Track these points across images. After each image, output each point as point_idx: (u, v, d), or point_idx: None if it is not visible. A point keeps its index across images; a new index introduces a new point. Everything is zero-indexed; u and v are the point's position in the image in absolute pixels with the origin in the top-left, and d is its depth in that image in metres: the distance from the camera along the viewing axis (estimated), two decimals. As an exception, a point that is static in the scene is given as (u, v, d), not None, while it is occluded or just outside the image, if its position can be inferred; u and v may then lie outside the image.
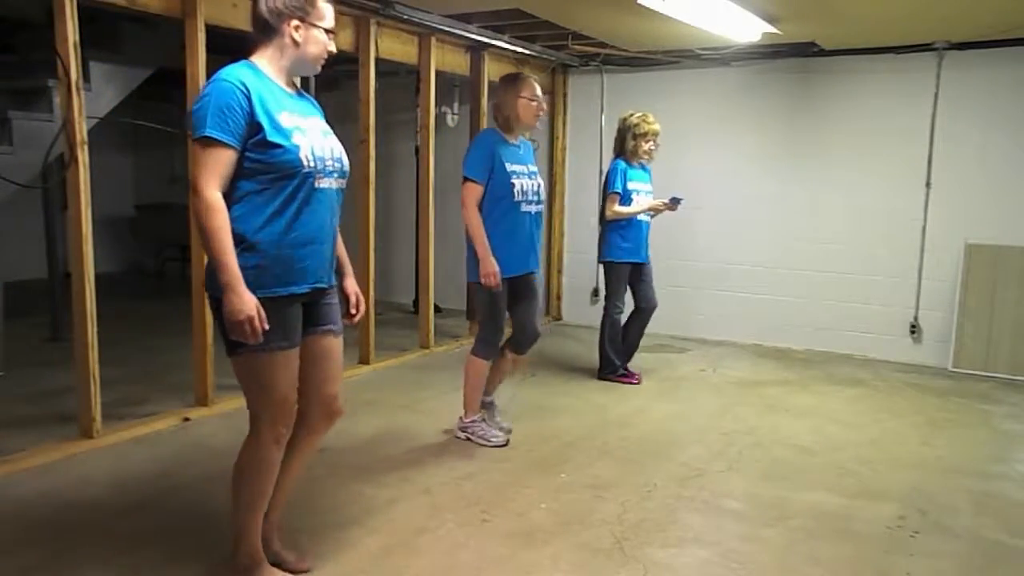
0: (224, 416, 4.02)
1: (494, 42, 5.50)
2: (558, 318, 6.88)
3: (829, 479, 3.37)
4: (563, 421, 4.06)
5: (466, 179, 3.55)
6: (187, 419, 3.91)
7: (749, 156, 5.94)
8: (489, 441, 3.66)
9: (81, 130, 3.38)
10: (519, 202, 3.57)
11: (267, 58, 2.21)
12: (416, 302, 6.25)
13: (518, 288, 3.66)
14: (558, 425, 3.99)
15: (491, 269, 3.49)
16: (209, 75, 3.86)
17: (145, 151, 9.05)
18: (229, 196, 2.10)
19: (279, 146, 2.11)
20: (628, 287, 4.78)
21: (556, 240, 6.76)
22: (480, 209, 3.53)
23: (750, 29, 4.74)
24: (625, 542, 2.74)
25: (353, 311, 2.50)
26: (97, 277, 3.51)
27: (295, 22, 2.17)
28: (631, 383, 4.78)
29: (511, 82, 3.65)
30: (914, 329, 5.54)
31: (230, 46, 5.03)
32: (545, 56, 6.07)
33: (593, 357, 5.00)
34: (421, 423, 3.97)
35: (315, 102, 2.39)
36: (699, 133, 6.00)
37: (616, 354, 4.83)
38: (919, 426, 4.15)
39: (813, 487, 3.27)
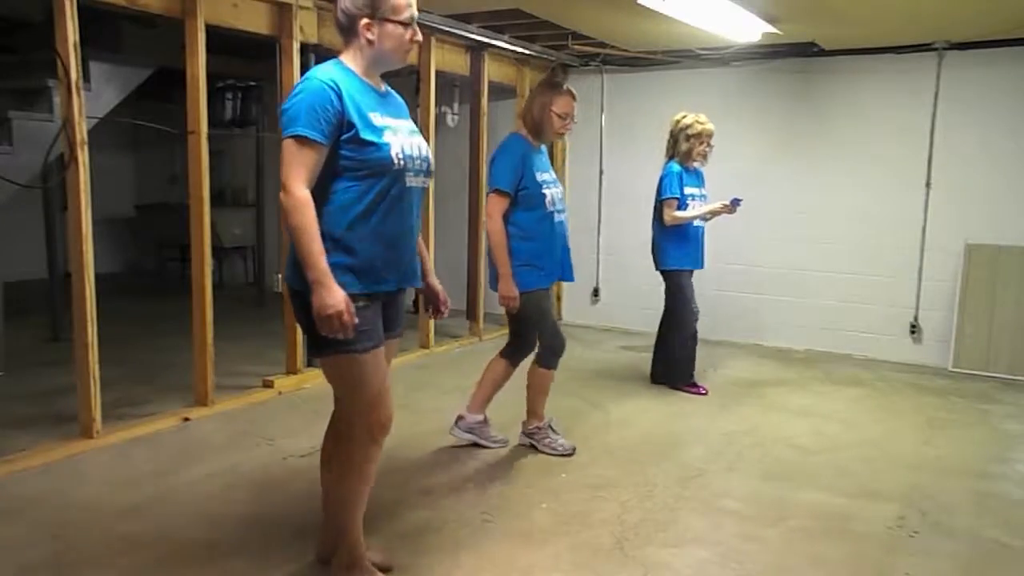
0: (224, 416, 4.02)
1: (494, 42, 5.50)
2: (558, 318, 6.88)
3: (829, 479, 3.37)
4: (563, 421, 4.04)
5: (495, 191, 3.34)
6: (187, 419, 3.91)
7: (749, 156, 5.93)
8: (554, 450, 3.54)
9: (81, 130, 3.38)
10: (551, 212, 3.41)
11: (351, 58, 2.22)
12: (416, 302, 6.24)
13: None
14: (558, 425, 3.99)
15: (511, 292, 3.32)
16: (209, 75, 3.92)
17: (145, 151, 9.05)
18: (321, 194, 2.11)
19: (372, 144, 2.12)
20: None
21: (556, 240, 6.76)
22: (510, 220, 3.35)
23: (750, 29, 4.75)
24: (625, 542, 2.74)
25: (443, 308, 2.55)
26: (97, 277, 3.51)
27: (364, 20, 2.16)
28: (699, 394, 4.57)
29: (548, 90, 3.43)
30: (914, 329, 5.54)
31: (230, 46, 5.08)
32: (545, 56, 6.06)
33: (594, 356, 5.00)
34: (421, 423, 3.97)
35: (402, 100, 2.39)
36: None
37: (690, 363, 4.62)
38: (919, 426, 4.15)
39: (813, 487, 3.27)
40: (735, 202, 4.47)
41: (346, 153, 2.11)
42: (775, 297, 5.93)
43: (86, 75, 4.17)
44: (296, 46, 4.29)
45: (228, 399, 4.18)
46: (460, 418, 3.65)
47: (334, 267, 2.07)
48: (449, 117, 6.65)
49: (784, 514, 3.00)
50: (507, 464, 3.46)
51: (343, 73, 2.16)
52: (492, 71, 5.88)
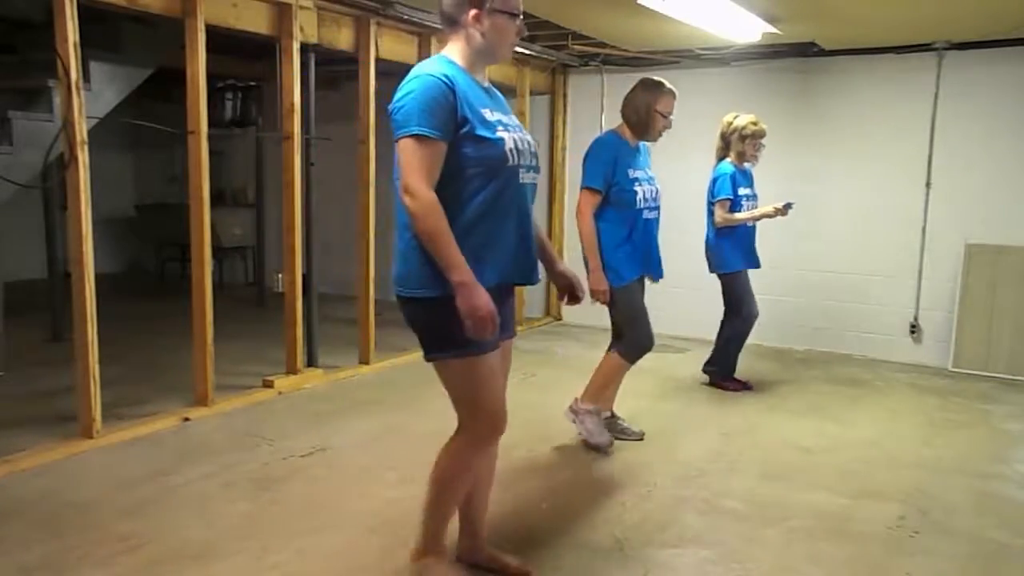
0: (224, 416, 4.02)
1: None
2: (558, 318, 6.89)
3: (829, 479, 3.36)
4: (564, 421, 4.05)
5: (586, 188, 3.45)
6: (187, 419, 3.91)
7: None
8: (592, 437, 3.58)
9: (81, 130, 3.39)
10: (641, 209, 3.47)
11: (457, 52, 2.14)
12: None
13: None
14: (559, 425, 3.99)
15: (602, 286, 3.46)
16: (209, 75, 3.92)
17: (145, 151, 9.05)
18: (437, 193, 2.00)
19: (486, 140, 2.04)
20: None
21: (556, 239, 6.76)
22: (600, 217, 3.46)
23: (750, 29, 4.75)
24: (625, 542, 2.74)
25: (580, 293, 2.48)
26: (97, 277, 3.51)
27: (473, 11, 2.08)
28: (739, 389, 4.66)
29: (652, 89, 3.53)
30: (914, 329, 5.54)
31: (230, 46, 5.07)
32: (545, 56, 6.06)
33: (594, 356, 4.95)
34: (420, 423, 3.97)
35: (501, 96, 2.30)
36: (699, 133, 5.98)
37: (734, 361, 4.71)
38: (919, 426, 4.15)
39: (813, 487, 3.27)
40: (787, 206, 4.51)
41: (461, 151, 2.02)
42: (775, 297, 5.92)
43: (86, 75, 4.17)
44: (296, 46, 4.29)
45: (228, 399, 4.18)
46: (580, 412, 3.66)
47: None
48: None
49: (784, 514, 3.00)
50: (507, 464, 3.46)
51: (452, 68, 2.08)
52: (492, 71, 5.84)
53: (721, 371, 4.73)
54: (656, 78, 3.62)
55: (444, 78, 2.00)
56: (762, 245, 5.86)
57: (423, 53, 5.19)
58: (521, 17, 2.15)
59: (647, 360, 5.17)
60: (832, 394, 4.73)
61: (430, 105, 1.96)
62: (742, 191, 4.54)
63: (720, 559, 2.64)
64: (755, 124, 4.53)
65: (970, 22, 4.65)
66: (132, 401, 4.12)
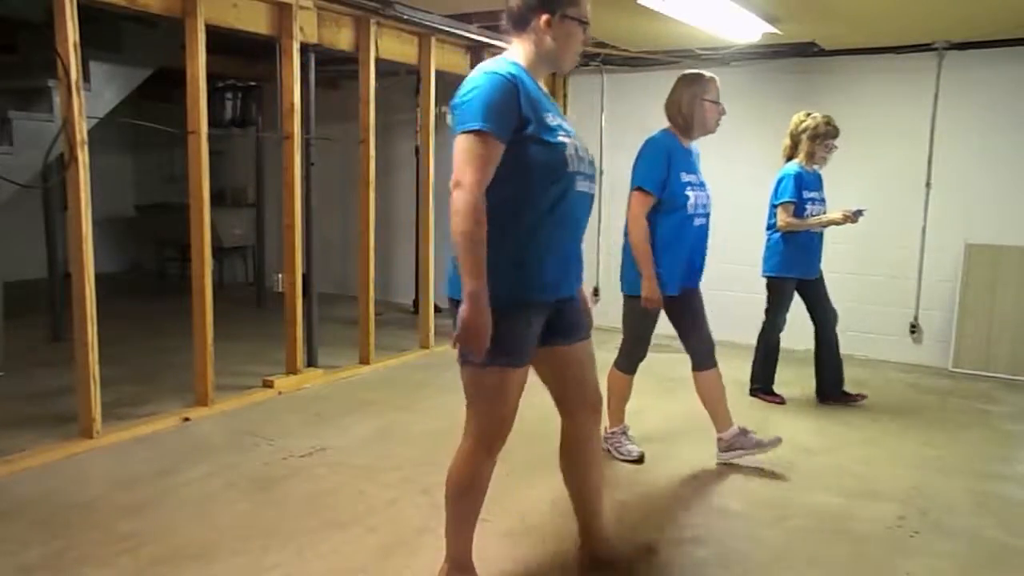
0: (224, 416, 4.02)
1: (494, 42, 5.50)
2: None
3: (829, 479, 3.37)
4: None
5: (638, 189, 3.23)
6: (187, 419, 3.91)
7: (749, 157, 5.93)
8: (622, 455, 3.55)
9: (81, 130, 3.39)
10: (692, 215, 3.26)
11: (522, 54, 2.11)
12: (416, 302, 6.25)
13: (681, 304, 3.39)
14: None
15: (655, 294, 3.22)
16: (209, 75, 3.92)
17: (145, 151, 9.05)
18: (490, 195, 1.95)
19: (548, 144, 2.02)
20: (805, 305, 4.53)
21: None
22: (648, 222, 3.24)
23: (750, 29, 4.75)
24: (626, 542, 2.73)
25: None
26: (97, 277, 3.51)
27: (545, 16, 2.06)
28: (775, 402, 4.51)
29: (694, 82, 3.31)
30: (914, 329, 5.54)
31: (230, 46, 5.07)
32: (545, 56, 6.06)
33: (603, 357, 4.97)
34: (420, 423, 3.97)
35: (556, 103, 2.27)
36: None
37: (768, 373, 4.59)
38: (919, 426, 4.15)
39: (813, 487, 3.28)
40: (859, 213, 4.24)
41: (524, 153, 1.99)
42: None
43: (86, 75, 4.17)
44: (296, 46, 4.29)
45: (228, 399, 4.18)
46: (720, 440, 3.56)
47: (495, 274, 1.95)
48: (449, 117, 6.64)
49: (784, 514, 3.00)
50: (507, 464, 3.45)
51: (518, 69, 2.05)
52: (492, 71, 5.87)
53: (761, 385, 4.61)
54: (693, 70, 3.44)
55: (511, 76, 1.98)
56: (761, 244, 5.88)
57: (423, 53, 5.19)
58: (589, 25, 2.13)
59: (649, 360, 5.17)
60: (832, 394, 4.73)
61: (494, 103, 1.93)
62: (808, 194, 4.30)
63: (720, 559, 2.65)
64: (828, 123, 4.29)
65: (970, 22, 4.65)
66: (132, 401, 4.12)
